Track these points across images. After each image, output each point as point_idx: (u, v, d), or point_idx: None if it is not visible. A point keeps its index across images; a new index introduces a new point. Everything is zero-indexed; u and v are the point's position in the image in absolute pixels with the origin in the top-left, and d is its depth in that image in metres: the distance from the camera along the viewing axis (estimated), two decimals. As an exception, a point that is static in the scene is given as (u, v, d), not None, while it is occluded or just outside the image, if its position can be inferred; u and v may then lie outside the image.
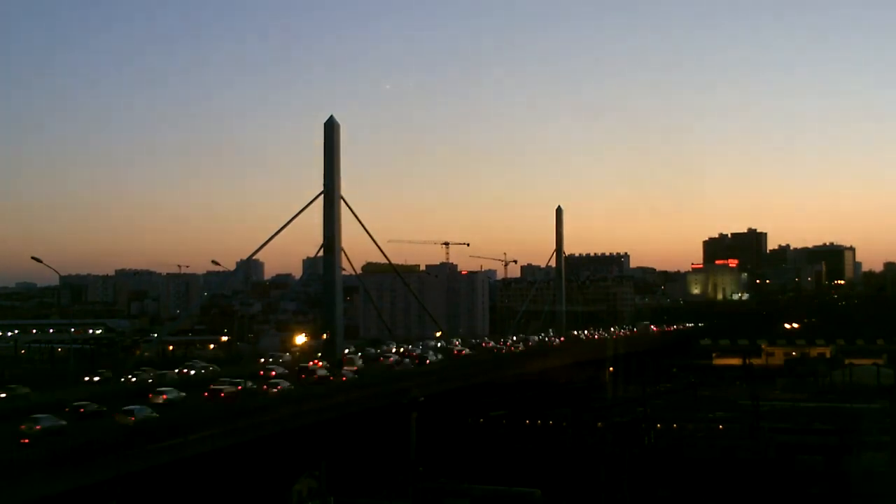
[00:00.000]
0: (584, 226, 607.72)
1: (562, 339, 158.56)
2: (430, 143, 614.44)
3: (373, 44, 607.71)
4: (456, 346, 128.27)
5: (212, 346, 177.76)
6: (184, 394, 65.67)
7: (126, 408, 54.80)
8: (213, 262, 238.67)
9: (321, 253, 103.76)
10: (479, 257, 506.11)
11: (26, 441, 45.90)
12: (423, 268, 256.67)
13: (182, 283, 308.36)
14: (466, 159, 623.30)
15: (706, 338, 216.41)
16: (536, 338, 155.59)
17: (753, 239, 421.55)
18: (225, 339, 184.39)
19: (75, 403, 56.02)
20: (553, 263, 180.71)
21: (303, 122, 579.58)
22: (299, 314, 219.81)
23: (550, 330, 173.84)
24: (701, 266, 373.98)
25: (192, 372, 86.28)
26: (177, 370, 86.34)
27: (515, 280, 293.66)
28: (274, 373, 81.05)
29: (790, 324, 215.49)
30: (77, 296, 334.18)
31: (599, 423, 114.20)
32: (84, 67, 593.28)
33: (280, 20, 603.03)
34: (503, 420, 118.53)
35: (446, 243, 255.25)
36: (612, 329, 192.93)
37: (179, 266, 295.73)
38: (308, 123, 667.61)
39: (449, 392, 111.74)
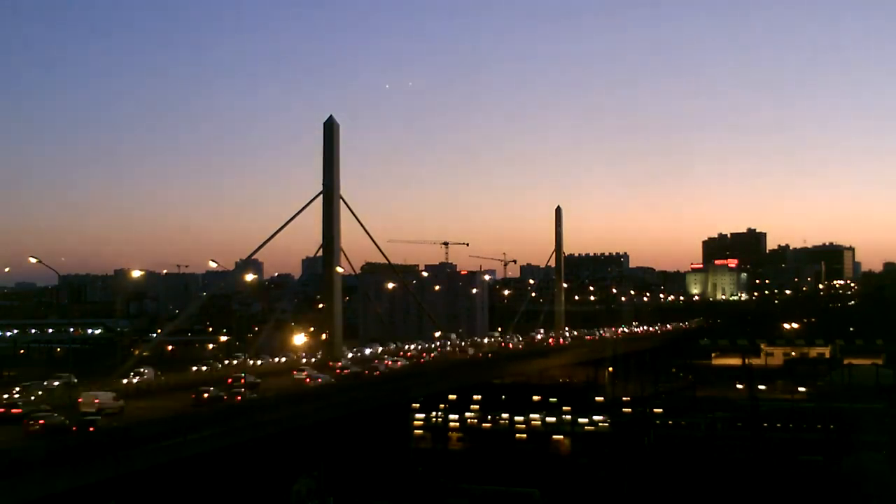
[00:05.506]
0: (584, 226, 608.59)
1: (555, 340, 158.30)
2: (430, 143, 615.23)
3: (372, 44, 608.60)
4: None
5: (210, 345, 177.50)
6: None
7: None
8: (213, 261, 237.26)
9: (320, 253, 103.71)
10: (478, 257, 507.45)
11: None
12: (422, 268, 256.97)
13: (181, 282, 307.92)
14: (466, 159, 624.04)
15: (705, 338, 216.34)
16: (517, 337, 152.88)
17: (753, 239, 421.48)
18: (224, 338, 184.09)
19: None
20: (552, 263, 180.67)
21: (303, 122, 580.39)
22: (298, 314, 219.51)
23: (550, 332, 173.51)
24: (700, 266, 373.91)
25: None
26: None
27: (515, 280, 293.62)
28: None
29: (789, 324, 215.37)
30: (76, 296, 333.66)
31: (600, 423, 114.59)
32: (84, 67, 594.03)
33: (280, 20, 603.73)
34: (503, 420, 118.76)
35: (446, 243, 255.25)
36: (611, 329, 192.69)
37: (179, 266, 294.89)
38: (308, 123, 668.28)
39: (448, 392, 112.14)
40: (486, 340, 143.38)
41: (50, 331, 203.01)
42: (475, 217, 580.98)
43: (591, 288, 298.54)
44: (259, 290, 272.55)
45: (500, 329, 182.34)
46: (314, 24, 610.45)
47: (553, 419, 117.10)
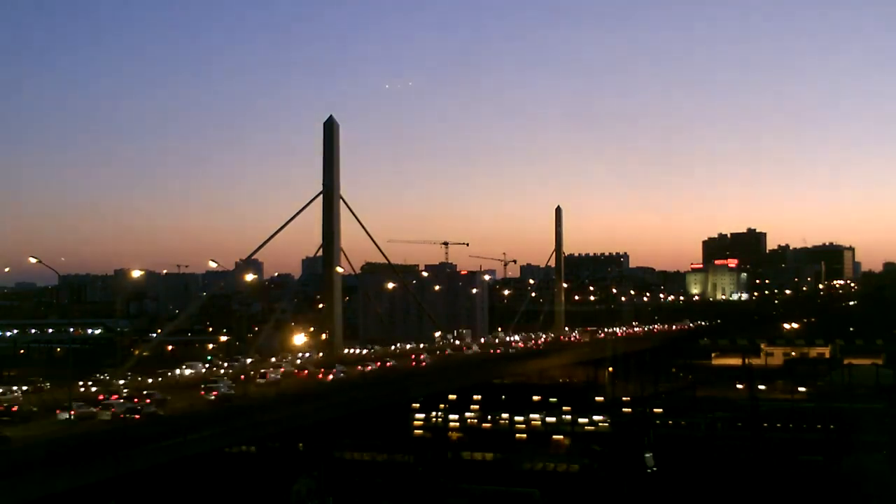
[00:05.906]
0: (584, 226, 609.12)
1: (548, 338, 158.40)
2: (431, 143, 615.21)
3: (372, 44, 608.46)
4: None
5: (210, 345, 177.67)
6: None
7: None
8: (213, 261, 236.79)
9: (320, 253, 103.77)
10: (478, 257, 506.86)
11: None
12: (422, 268, 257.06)
13: (181, 282, 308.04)
14: (465, 159, 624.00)
15: (705, 338, 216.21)
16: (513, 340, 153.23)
17: (753, 239, 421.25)
18: (224, 338, 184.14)
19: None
20: (552, 263, 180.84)
21: (303, 122, 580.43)
22: (298, 314, 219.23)
23: (548, 331, 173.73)
24: (700, 266, 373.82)
25: None
26: None
27: (515, 280, 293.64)
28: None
29: (789, 324, 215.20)
30: (76, 296, 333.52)
31: (600, 423, 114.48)
32: (84, 68, 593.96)
33: (280, 20, 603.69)
34: (503, 420, 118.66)
35: (446, 243, 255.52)
36: (611, 329, 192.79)
37: (179, 266, 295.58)
38: (308, 123, 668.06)
39: (448, 392, 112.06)
40: (483, 340, 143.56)
41: (50, 331, 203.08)
42: (475, 217, 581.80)
43: (591, 288, 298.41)
44: (259, 290, 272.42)
45: (500, 329, 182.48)
46: (315, 24, 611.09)
47: (553, 419, 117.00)
